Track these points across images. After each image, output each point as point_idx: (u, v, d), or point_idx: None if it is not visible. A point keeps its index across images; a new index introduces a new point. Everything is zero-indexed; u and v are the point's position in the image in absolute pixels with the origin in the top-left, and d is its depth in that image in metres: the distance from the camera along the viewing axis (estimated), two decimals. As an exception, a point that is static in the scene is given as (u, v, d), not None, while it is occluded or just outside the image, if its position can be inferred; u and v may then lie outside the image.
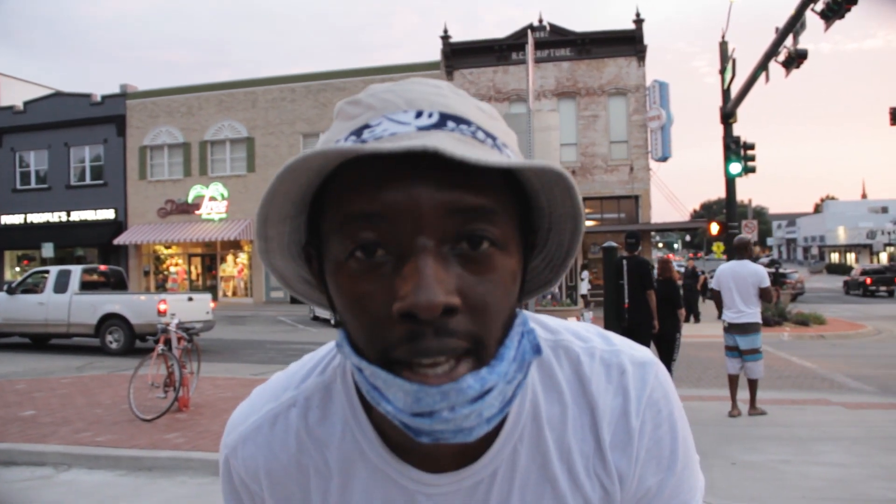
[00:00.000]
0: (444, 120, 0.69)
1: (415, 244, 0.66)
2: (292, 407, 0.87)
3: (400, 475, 0.81)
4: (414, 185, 0.66)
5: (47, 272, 16.43)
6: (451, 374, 0.66)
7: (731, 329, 8.29)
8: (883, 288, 39.85)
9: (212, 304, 16.57)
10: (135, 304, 15.34)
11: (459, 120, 0.70)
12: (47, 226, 34.67)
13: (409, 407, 0.66)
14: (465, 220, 0.67)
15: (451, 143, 0.63)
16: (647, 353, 0.87)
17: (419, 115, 0.70)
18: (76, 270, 16.22)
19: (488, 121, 0.74)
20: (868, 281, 40.64)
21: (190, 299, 15.89)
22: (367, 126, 0.71)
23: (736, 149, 18.89)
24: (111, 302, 15.52)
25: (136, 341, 15.38)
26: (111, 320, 15.34)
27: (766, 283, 8.25)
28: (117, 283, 17.53)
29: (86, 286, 16.28)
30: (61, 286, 15.90)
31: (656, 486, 0.84)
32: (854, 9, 13.15)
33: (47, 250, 30.80)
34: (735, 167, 18.79)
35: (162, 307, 14.76)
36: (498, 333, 0.70)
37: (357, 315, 0.69)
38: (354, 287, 0.68)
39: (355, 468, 0.83)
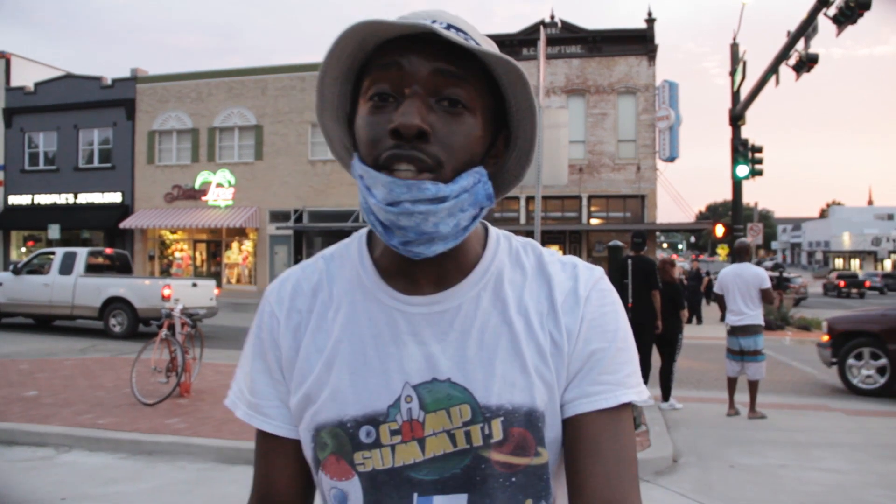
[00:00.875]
0: (449, 27, 0.98)
1: (409, 90, 0.95)
2: (320, 258, 1.15)
3: (385, 296, 1.05)
4: (415, 53, 0.96)
5: (53, 253, 16.48)
6: (415, 176, 0.93)
7: (734, 332, 8.33)
8: (854, 290, 49.01)
9: (216, 291, 16.63)
10: (139, 289, 15.40)
11: (459, 29, 0.98)
12: (54, 207, 34.72)
13: (384, 197, 0.94)
14: (445, 82, 0.96)
15: (445, 33, 0.91)
16: (599, 268, 1.11)
17: (435, 21, 0.97)
18: (82, 253, 16.27)
19: (479, 37, 1.00)
20: (842, 284, 49.96)
21: (194, 285, 15.94)
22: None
23: (744, 151, 18.87)
24: (116, 285, 15.58)
25: (139, 325, 15.45)
26: (115, 304, 15.41)
27: (767, 284, 8.32)
28: (122, 267, 17.58)
29: (91, 269, 16.34)
30: (67, 268, 15.96)
31: (601, 351, 1.02)
32: (867, 14, 13.11)
33: (53, 232, 30.88)
34: (742, 170, 18.77)
35: (166, 292, 14.81)
36: (457, 165, 0.96)
37: (366, 136, 0.97)
38: (369, 118, 0.97)
39: (352, 293, 1.07)
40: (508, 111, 1.04)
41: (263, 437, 1.10)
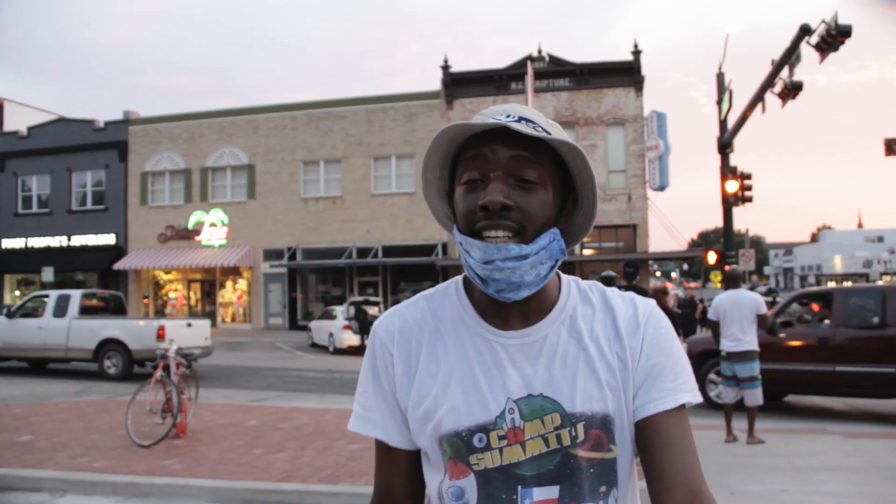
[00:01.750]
0: (520, 119, 1.24)
1: (492, 175, 1.21)
2: (421, 298, 1.39)
3: (485, 331, 1.30)
4: (495, 145, 1.22)
5: (47, 296, 16.41)
6: (503, 240, 1.19)
7: (730, 358, 8.33)
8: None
9: (210, 331, 16.58)
10: (134, 330, 15.33)
11: (528, 120, 1.24)
12: (48, 250, 34.70)
13: (480, 257, 1.20)
14: (520, 165, 1.21)
15: (516, 125, 1.18)
16: (652, 300, 1.38)
17: (508, 116, 1.24)
18: (76, 295, 16.22)
19: (548, 125, 1.26)
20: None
21: (189, 325, 15.89)
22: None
23: (733, 178, 19.00)
24: (110, 327, 15.50)
25: (134, 366, 15.37)
26: (110, 345, 15.31)
27: (764, 310, 8.35)
28: (116, 308, 17.52)
29: (85, 311, 16.27)
30: (60, 311, 15.90)
31: (661, 364, 1.28)
32: (848, 41, 13.32)
33: (47, 274, 30.79)
34: (731, 185, 18.89)
35: (161, 333, 14.77)
36: (535, 230, 1.22)
37: (463, 210, 1.23)
38: (464, 196, 1.24)
39: (458, 329, 1.32)
40: (573, 179, 1.30)
41: (378, 447, 1.36)
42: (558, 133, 1.26)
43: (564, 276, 1.38)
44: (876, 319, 10.10)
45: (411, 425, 1.31)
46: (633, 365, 1.28)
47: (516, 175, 1.21)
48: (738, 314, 8.26)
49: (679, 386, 1.27)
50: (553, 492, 1.23)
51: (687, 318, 23.26)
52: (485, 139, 1.23)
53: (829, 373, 10.17)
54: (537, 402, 1.24)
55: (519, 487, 1.23)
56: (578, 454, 1.23)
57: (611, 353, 1.28)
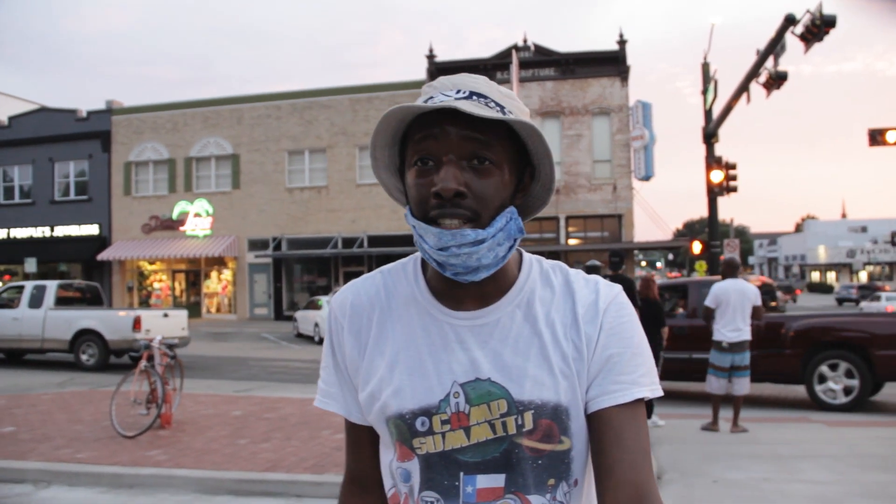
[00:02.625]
0: (471, 95, 1.18)
1: (445, 158, 1.16)
2: (378, 273, 1.36)
3: (436, 311, 1.26)
4: (447, 126, 1.15)
5: (22, 287, 16.35)
6: (458, 227, 1.15)
7: (732, 348, 8.29)
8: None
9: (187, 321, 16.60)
10: (109, 320, 15.32)
11: (480, 95, 1.19)
12: (30, 241, 34.42)
13: (435, 244, 1.16)
14: (474, 146, 1.15)
15: (468, 106, 1.13)
16: (618, 286, 1.31)
17: (458, 91, 1.19)
18: (51, 286, 16.19)
19: (502, 98, 1.21)
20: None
21: (166, 315, 15.89)
22: (430, 98, 1.20)
23: (718, 168, 19.07)
24: (86, 318, 15.51)
25: (110, 357, 15.41)
26: (85, 336, 15.34)
27: (760, 301, 8.41)
28: (93, 299, 17.48)
29: (61, 302, 16.25)
30: (36, 301, 15.87)
31: (618, 355, 1.22)
32: (833, 32, 13.38)
33: (30, 265, 30.53)
34: (716, 175, 18.96)
35: (137, 324, 14.77)
36: (491, 212, 1.17)
37: (415, 195, 1.18)
38: (416, 181, 1.18)
39: (408, 307, 1.28)
40: (530, 153, 1.25)
41: (346, 424, 1.36)
42: (513, 106, 1.21)
43: (528, 256, 1.33)
44: None
45: (362, 404, 1.29)
46: (589, 354, 1.22)
47: (470, 157, 1.16)
48: (741, 303, 8.28)
49: (637, 379, 1.21)
50: (498, 480, 1.20)
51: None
52: (435, 118, 1.16)
53: (687, 360, 10.76)
54: (485, 386, 1.20)
55: (461, 474, 1.20)
56: (524, 444, 1.19)
57: (566, 340, 1.23)
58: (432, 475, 1.21)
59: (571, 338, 1.23)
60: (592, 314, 1.24)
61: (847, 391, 9.95)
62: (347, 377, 1.31)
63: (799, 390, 11.88)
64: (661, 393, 1.23)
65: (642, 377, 1.21)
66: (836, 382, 9.99)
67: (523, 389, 1.19)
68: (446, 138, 1.15)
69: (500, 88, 1.23)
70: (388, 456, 1.28)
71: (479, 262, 1.17)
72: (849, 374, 9.96)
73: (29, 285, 16.32)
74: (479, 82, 1.22)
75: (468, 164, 1.16)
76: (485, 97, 1.19)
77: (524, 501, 1.20)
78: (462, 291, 1.24)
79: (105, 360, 15.22)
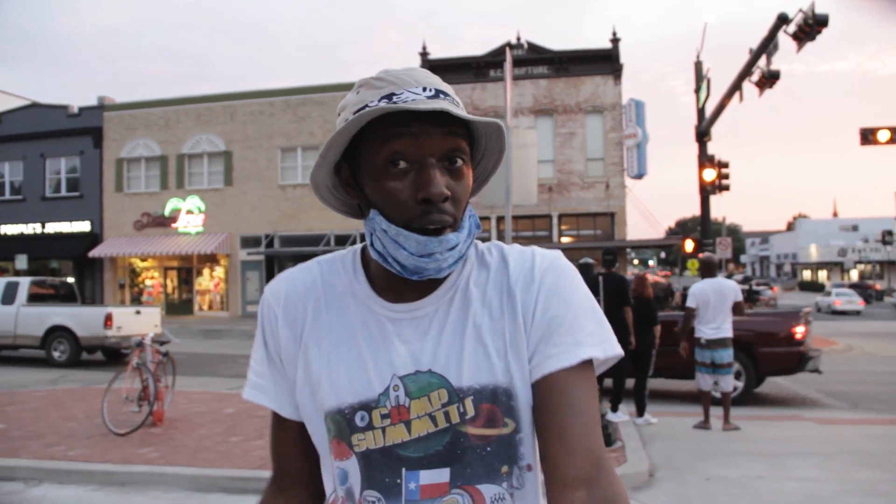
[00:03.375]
0: (437, 93, 1.16)
1: (428, 161, 1.12)
2: (315, 262, 1.31)
3: (375, 305, 1.22)
4: (429, 127, 1.11)
5: None
6: (443, 232, 1.13)
7: (710, 345, 8.39)
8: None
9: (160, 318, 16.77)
10: (81, 317, 15.46)
11: (445, 94, 1.17)
12: (21, 238, 34.26)
13: (417, 251, 1.12)
14: (451, 148, 1.13)
15: (450, 107, 1.10)
16: (557, 251, 1.27)
17: (425, 89, 1.15)
18: (24, 282, 16.38)
19: (454, 95, 1.19)
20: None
21: (137, 312, 16.02)
22: (393, 94, 1.14)
23: (710, 167, 19.11)
24: (58, 314, 15.64)
25: (82, 353, 15.60)
26: (57, 332, 15.47)
27: (741, 297, 8.52)
28: (67, 296, 17.61)
29: (35, 298, 16.38)
30: (9, 298, 16.03)
31: (559, 317, 1.17)
32: (825, 31, 13.41)
33: (21, 262, 30.38)
34: (709, 174, 19.01)
35: (108, 321, 14.88)
36: (461, 214, 1.16)
37: (391, 200, 1.13)
38: (392, 184, 1.13)
39: (346, 300, 1.24)
40: (474, 145, 1.24)
41: (273, 418, 1.30)
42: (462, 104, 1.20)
43: None
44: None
45: (298, 398, 1.24)
46: (528, 323, 1.17)
47: (447, 158, 1.14)
48: (720, 302, 8.38)
49: (580, 339, 1.15)
50: (443, 475, 1.15)
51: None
52: (412, 117, 1.11)
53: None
54: (424, 378, 1.16)
55: (403, 470, 1.15)
56: (469, 432, 1.15)
57: (503, 317, 1.18)
58: (372, 473, 1.17)
59: (507, 311, 1.19)
60: (528, 281, 1.20)
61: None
62: (281, 369, 1.26)
63: (791, 388, 11.95)
64: (617, 352, 1.18)
65: (587, 336, 1.16)
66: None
67: (461, 376, 1.15)
68: (427, 139, 1.11)
69: (446, 84, 1.21)
70: (324, 456, 1.24)
71: (448, 263, 1.15)
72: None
73: (2, 282, 16.49)
74: (435, 79, 1.20)
75: (446, 166, 1.14)
76: (448, 95, 1.17)
77: (473, 493, 1.16)
78: (404, 285, 1.21)
79: (77, 357, 15.42)
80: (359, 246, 1.31)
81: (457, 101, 1.18)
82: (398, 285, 1.21)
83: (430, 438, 1.15)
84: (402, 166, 1.12)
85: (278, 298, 1.27)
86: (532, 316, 1.18)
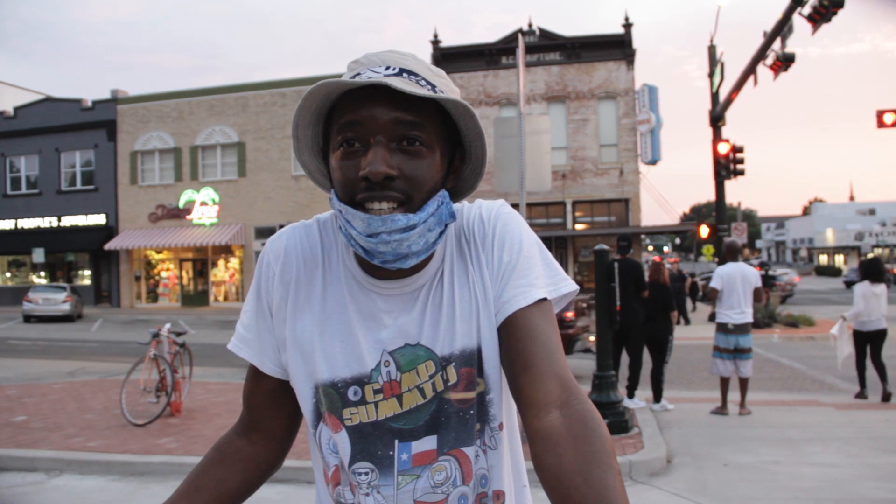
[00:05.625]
0: (401, 72, 1.14)
1: (373, 139, 1.11)
2: (315, 223, 1.31)
3: (366, 282, 1.23)
4: (375, 105, 1.11)
5: None
6: (388, 212, 1.11)
7: (736, 330, 8.40)
8: None
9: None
10: None
11: (410, 72, 1.15)
12: (38, 231, 34.51)
13: (364, 230, 1.11)
14: (404, 127, 1.11)
15: (398, 82, 1.08)
16: (500, 200, 1.32)
17: (388, 68, 1.15)
18: None
19: (433, 77, 1.18)
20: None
21: None
22: (357, 74, 1.16)
23: (725, 152, 18.98)
24: None
25: None
26: None
27: (760, 282, 8.56)
28: None
29: None
30: None
31: (510, 262, 1.21)
32: (841, 12, 13.26)
33: (38, 255, 30.68)
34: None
35: None
36: (422, 196, 1.14)
37: (341, 178, 1.14)
38: (341, 163, 1.14)
39: (339, 271, 1.25)
40: (461, 134, 1.22)
41: (250, 370, 1.31)
42: (443, 85, 1.18)
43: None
44: None
45: (287, 359, 1.25)
46: (490, 274, 1.22)
47: (399, 138, 1.12)
48: (744, 286, 8.41)
49: (532, 282, 1.19)
50: (431, 442, 1.19)
51: (677, 291, 23.33)
52: (362, 96, 1.12)
53: None
54: (412, 351, 1.20)
55: (396, 442, 1.19)
56: (451, 398, 1.19)
57: (473, 279, 1.22)
58: (365, 446, 1.19)
59: (472, 270, 1.23)
60: (482, 232, 1.25)
61: None
62: (270, 324, 1.27)
63: (809, 373, 11.89)
64: (571, 288, 1.24)
65: (537, 279, 1.20)
66: None
67: (444, 345, 1.19)
68: (374, 118, 1.11)
69: (430, 66, 1.20)
70: (312, 424, 1.26)
71: (409, 250, 1.14)
72: None
73: None
74: (408, 59, 1.18)
75: (398, 145, 1.12)
76: (415, 74, 1.16)
77: (459, 457, 1.20)
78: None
79: None
80: None
81: (429, 81, 1.16)
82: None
83: (419, 409, 1.19)
84: (355, 146, 1.13)
85: (277, 255, 1.28)
86: (491, 264, 1.22)
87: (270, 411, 1.32)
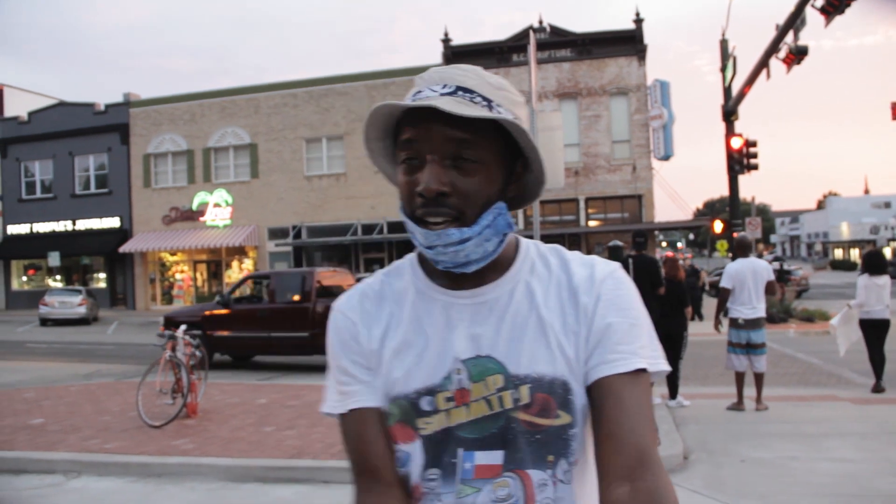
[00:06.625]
0: (456, 90, 1.18)
1: (428, 157, 1.17)
2: (379, 273, 1.38)
3: (436, 293, 1.28)
4: (429, 124, 1.16)
5: None
6: (443, 226, 1.17)
7: (747, 325, 8.39)
8: None
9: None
10: None
11: (466, 90, 1.19)
12: (53, 235, 34.76)
13: (422, 242, 1.21)
14: (456, 145, 1.16)
15: (447, 104, 1.13)
16: (615, 262, 1.32)
17: (444, 86, 1.19)
18: None
19: (491, 91, 1.21)
20: None
21: None
22: (419, 91, 1.21)
23: (738, 146, 18.88)
24: None
25: None
26: None
27: (773, 275, 8.54)
28: None
29: None
30: None
31: (616, 325, 1.21)
32: (854, 4, 13.15)
33: (53, 259, 30.89)
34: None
35: None
36: (476, 210, 1.19)
37: (402, 193, 1.22)
38: (403, 178, 1.21)
39: (410, 294, 1.30)
40: (521, 145, 1.25)
41: (356, 418, 1.28)
42: (502, 98, 1.21)
43: (524, 240, 1.35)
44: (297, 295, 13.33)
45: (380, 393, 1.27)
46: (587, 325, 1.22)
47: (453, 156, 1.17)
48: (755, 282, 8.38)
49: (635, 350, 1.20)
50: (497, 457, 1.20)
51: (691, 287, 23.24)
52: (418, 115, 1.17)
53: (267, 338, 13.41)
54: (483, 362, 1.22)
55: (460, 450, 1.21)
56: (521, 418, 1.20)
57: (563, 314, 1.24)
58: (435, 454, 1.22)
59: (569, 309, 1.24)
60: (588, 286, 1.25)
61: None
62: (366, 367, 1.28)
63: (825, 368, 11.81)
64: (664, 368, 1.24)
65: (641, 348, 1.21)
66: None
67: (519, 364, 1.21)
68: (428, 137, 1.17)
69: (490, 80, 1.23)
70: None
71: (468, 258, 1.20)
72: None
73: None
74: (468, 75, 1.22)
75: (452, 162, 1.17)
76: (471, 92, 1.19)
77: (523, 477, 1.20)
78: (460, 275, 1.26)
79: None
80: (416, 251, 1.37)
81: (486, 97, 1.19)
82: (455, 275, 1.26)
83: (485, 421, 1.21)
84: (414, 163, 1.19)
85: (353, 306, 1.32)
86: (591, 319, 1.23)
87: (390, 457, 1.26)
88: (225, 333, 13.66)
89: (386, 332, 1.29)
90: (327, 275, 14.25)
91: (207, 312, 14.18)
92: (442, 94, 1.17)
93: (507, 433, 1.20)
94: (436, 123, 1.16)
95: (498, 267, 1.28)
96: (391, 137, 1.28)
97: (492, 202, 1.21)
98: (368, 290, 1.34)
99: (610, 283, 1.26)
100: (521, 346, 1.22)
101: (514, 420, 1.20)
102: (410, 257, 1.38)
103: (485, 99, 1.19)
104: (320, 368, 13.78)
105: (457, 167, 1.17)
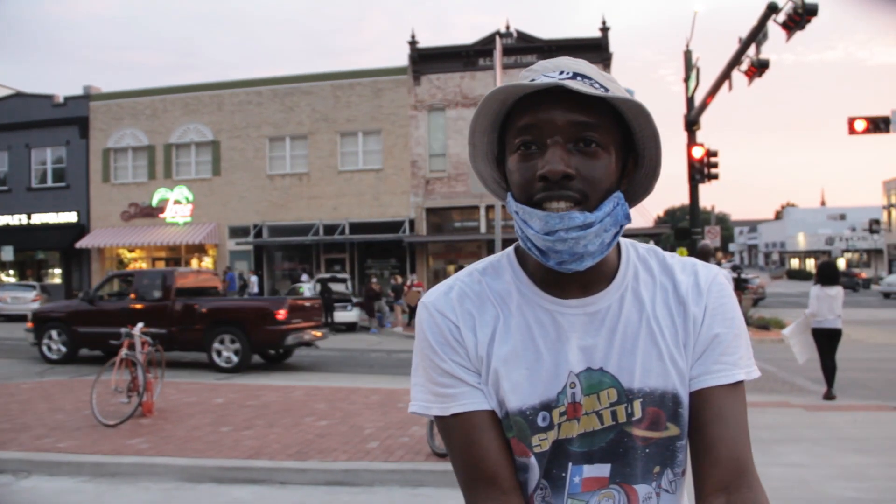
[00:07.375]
0: (575, 76, 1.16)
1: (550, 141, 1.14)
2: (473, 272, 1.31)
3: (546, 302, 1.24)
4: (551, 108, 1.14)
5: None
6: (566, 209, 1.13)
7: None
8: None
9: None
10: None
11: (584, 76, 1.17)
12: (7, 229, 33.99)
13: (541, 228, 1.14)
14: (580, 129, 1.14)
15: (574, 84, 1.11)
16: (715, 266, 1.31)
17: (562, 73, 1.17)
18: None
19: (606, 81, 1.19)
20: None
21: None
22: (532, 80, 1.18)
23: (699, 156, 19.14)
24: None
25: None
26: None
27: (731, 284, 8.61)
28: None
29: None
30: None
31: (722, 335, 1.21)
32: (815, 20, 13.41)
33: (7, 254, 30.22)
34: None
35: None
36: (599, 195, 1.15)
37: (519, 179, 1.17)
38: (519, 164, 1.17)
39: (515, 300, 1.25)
40: (634, 137, 1.22)
41: (466, 422, 1.22)
42: (616, 88, 1.19)
43: (623, 241, 1.31)
44: (157, 294, 14.01)
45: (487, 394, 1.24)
46: (695, 335, 1.22)
47: (576, 139, 1.14)
48: None
49: (737, 361, 1.21)
50: (604, 470, 1.20)
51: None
52: (538, 100, 1.15)
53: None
54: (596, 376, 1.20)
55: (570, 464, 1.20)
56: (634, 433, 1.19)
57: (673, 323, 1.23)
58: (548, 466, 1.21)
59: (678, 319, 1.23)
60: (696, 294, 1.24)
61: (235, 357, 13.36)
62: (472, 368, 1.24)
63: (780, 375, 12.03)
64: (757, 374, 1.24)
65: (741, 359, 1.22)
66: (226, 351, 13.47)
67: (633, 378, 1.20)
68: (551, 121, 1.14)
69: (601, 72, 1.21)
70: None
71: (585, 249, 1.15)
72: (233, 343, 13.42)
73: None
74: (581, 64, 1.20)
75: (574, 146, 1.14)
76: (589, 78, 1.17)
77: (628, 491, 1.21)
78: (566, 280, 1.22)
79: None
80: (511, 248, 1.34)
81: (602, 84, 1.17)
82: (561, 281, 1.23)
83: (595, 435, 1.20)
84: (532, 149, 1.16)
85: (451, 306, 1.26)
86: (699, 330, 1.22)
87: (509, 462, 1.23)
88: (89, 329, 14.18)
89: (493, 338, 1.24)
90: (188, 276, 15.57)
91: (73, 309, 14.99)
92: (561, 80, 1.14)
93: (618, 447, 1.20)
94: (558, 106, 1.13)
95: (604, 274, 1.24)
96: (497, 131, 1.25)
97: (612, 190, 1.18)
98: (467, 289, 1.28)
99: (715, 290, 1.25)
100: (633, 360, 1.20)
101: (627, 434, 1.19)
102: (508, 255, 1.32)
103: (602, 86, 1.17)
104: (276, 368, 13.67)
105: (579, 151, 1.14)
